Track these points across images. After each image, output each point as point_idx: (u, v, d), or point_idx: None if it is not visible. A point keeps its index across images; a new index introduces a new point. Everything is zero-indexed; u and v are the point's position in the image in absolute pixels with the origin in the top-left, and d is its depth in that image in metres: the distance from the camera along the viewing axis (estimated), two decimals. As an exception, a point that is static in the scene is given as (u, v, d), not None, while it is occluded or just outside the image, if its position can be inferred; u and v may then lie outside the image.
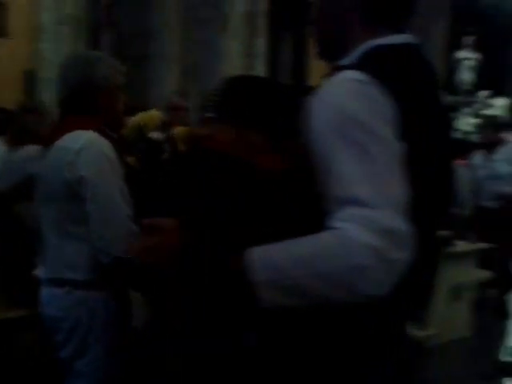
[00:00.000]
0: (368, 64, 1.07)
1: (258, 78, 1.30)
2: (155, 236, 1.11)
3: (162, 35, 5.50)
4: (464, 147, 5.52)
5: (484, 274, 4.92)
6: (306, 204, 1.04)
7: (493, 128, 5.13)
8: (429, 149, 1.08)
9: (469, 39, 10.94)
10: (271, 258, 0.98)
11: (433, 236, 1.19)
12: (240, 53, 5.71)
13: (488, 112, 10.14)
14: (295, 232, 0.98)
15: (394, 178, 0.96)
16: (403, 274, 0.95)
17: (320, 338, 1.09)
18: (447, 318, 4.22)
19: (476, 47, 11.05)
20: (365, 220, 0.92)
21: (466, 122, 10.32)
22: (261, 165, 1.10)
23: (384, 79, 1.01)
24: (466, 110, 10.50)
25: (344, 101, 0.99)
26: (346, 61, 1.14)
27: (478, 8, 12.12)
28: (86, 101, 1.92)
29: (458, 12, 12.11)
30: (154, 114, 4.14)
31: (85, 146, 1.79)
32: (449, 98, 10.93)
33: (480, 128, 5.40)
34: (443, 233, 4.04)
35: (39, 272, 2.05)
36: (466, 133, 10.14)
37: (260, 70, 5.79)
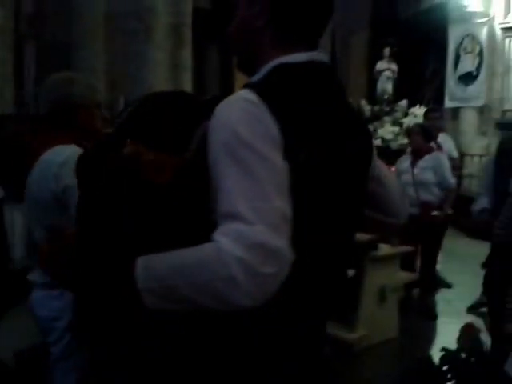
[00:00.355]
0: (265, 83, 1.13)
1: (171, 94, 1.34)
2: (56, 242, 1.15)
3: (86, 47, 5.41)
4: (388, 154, 5.68)
5: (407, 276, 5.05)
6: (199, 216, 1.08)
7: (421, 135, 5.27)
8: (323, 163, 1.12)
9: (388, 50, 11.31)
10: (153, 267, 1.02)
11: (345, 242, 1.26)
12: (166, 64, 5.68)
13: (407, 120, 10.49)
14: (187, 243, 1.02)
15: (274, 195, 1.00)
16: (295, 282, 1.03)
17: (217, 344, 1.14)
18: (375, 320, 4.29)
19: (394, 58, 11.44)
20: (238, 234, 0.97)
21: (386, 130, 10.67)
22: (156, 179, 1.12)
23: (274, 99, 1.06)
24: (387, 118, 10.86)
25: (232, 120, 1.03)
26: (255, 77, 1.19)
27: (397, 20, 12.59)
28: (65, 117, 2.07)
29: (378, 24, 12.54)
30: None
31: (68, 159, 1.86)
32: (370, 108, 11.28)
33: (407, 135, 5.56)
34: (367, 237, 4.12)
35: (34, 276, 2.11)
36: (387, 140, 10.50)
37: (187, 80, 5.79)
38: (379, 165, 1.40)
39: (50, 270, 1.15)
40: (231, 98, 1.07)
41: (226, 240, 0.97)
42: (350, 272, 4.22)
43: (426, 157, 5.19)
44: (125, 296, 1.04)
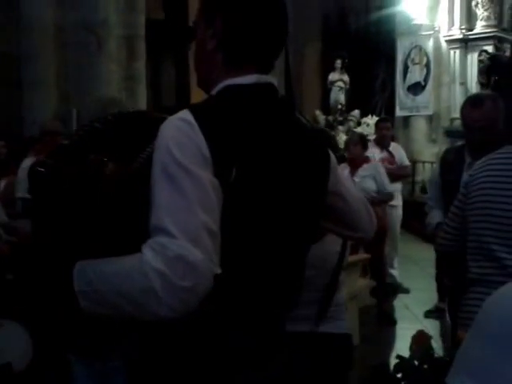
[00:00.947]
0: (205, 103, 1.21)
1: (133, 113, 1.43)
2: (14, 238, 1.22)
3: (36, 59, 5.28)
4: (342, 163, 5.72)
5: (367, 283, 5.08)
6: (138, 226, 1.11)
7: (360, 145, 5.32)
8: (257, 180, 1.16)
9: (339, 62, 11.51)
10: (87, 271, 1.08)
11: (289, 255, 1.27)
12: (120, 76, 5.59)
13: (360, 129, 10.68)
14: (126, 251, 1.06)
15: (199, 210, 1.04)
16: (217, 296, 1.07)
17: (180, 349, 1.19)
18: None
19: (346, 69, 11.64)
20: (161, 247, 1.01)
21: (340, 140, 10.81)
22: (105, 187, 1.18)
23: (207, 119, 1.12)
24: (341, 128, 11.02)
25: (167, 138, 1.09)
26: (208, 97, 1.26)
27: (348, 32, 12.83)
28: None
29: (329, 36, 12.75)
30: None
31: None
32: (324, 118, 11.45)
33: (346, 144, 5.60)
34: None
35: None
36: (341, 150, 10.63)
37: (141, 92, 5.70)
38: (342, 180, 1.41)
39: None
40: (171, 118, 1.13)
41: (149, 252, 1.01)
42: None
43: (365, 165, 5.24)
44: (65, 297, 1.09)
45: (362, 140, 5.47)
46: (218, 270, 1.05)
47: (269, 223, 1.20)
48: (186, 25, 7.35)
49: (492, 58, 10.36)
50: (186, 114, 1.12)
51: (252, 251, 1.18)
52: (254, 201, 1.16)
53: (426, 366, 2.93)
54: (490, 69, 10.26)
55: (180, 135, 1.09)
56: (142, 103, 5.76)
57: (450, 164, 2.95)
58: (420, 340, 3.18)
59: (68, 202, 1.19)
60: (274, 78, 1.27)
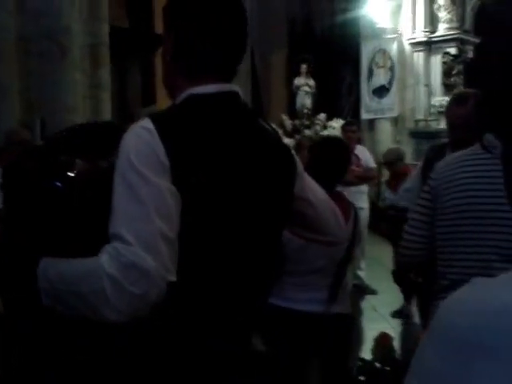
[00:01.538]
0: (166, 112, 1.24)
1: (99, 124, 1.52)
2: None
3: (-1, 68, 5.25)
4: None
5: None
6: (98, 229, 1.14)
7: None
8: (217, 187, 1.18)
9: (305, 67, 11.58)
10: (48, 269, 1.12)
11: (251, 261, 1.28)
12: (84, 84, 5.58)
13: (326, 133, 10.75)
14: (88, 251, 1.10)
15: (155, 217, 1.07)
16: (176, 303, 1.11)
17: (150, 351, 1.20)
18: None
19: (312, 74, 11.72)
20: (116, 253, 1.04)
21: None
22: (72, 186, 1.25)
23: (167, 127, 1.15)
24: (307, 131, 11.09)
25: (127, 145, 1.13)
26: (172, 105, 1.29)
27: (313, 37, 12.91)
28: None
29: (295, 41, 12.81)
30: None
31: None
32: (291, 122, 11.48)
33: (296, 149, 5.69)
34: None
35: None
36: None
37: (106, 100, 5.70)
38: (309, 186, 1.43)
39: None
40: (133, 126, 1.16)
41: (105, 257, 1.04)
42: None
43: None
44: (29, 292, 1.13)
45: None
46: (173, 278, 1.07)
47: (230, 230, 1.21)
48: (152, 33, 7.37)
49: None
50: (146, 121, 1.15)
51: (215, 258, 1.20)
52: (215, 208, 1.18)
53: (387, 368, 3.01)
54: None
55: (139, 143, 1.12)
56: (107, 111, 5.75)
57: (430, 161, 3.06)
58: (382, 342, 3.26)
59: (38, 199, 1.24)
60: (236, 86, 1.31)
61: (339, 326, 2.65)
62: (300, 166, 1.41)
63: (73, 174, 1.26)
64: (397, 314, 5.35)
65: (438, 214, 1.97)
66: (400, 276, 2.58)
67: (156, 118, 1.17)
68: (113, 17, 6.33)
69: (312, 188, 1.45)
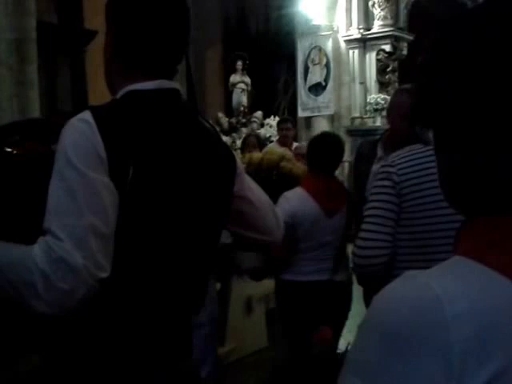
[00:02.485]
0: (106, 106, 1.25)
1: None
2: None
3: None
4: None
5: (272, 284, 5.15)
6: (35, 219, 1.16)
7: (257, 147, 5.40)
8: (154, 182, 1.20)
9: (240, 64, 11.50)
10: None
11: (190, 258, 1.31)
12: (10, 81, 5.41)
13: (263, 131, 10.73)
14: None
15: (88, 212, 1.09)
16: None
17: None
18: (243, 332, 4.34)
19: (247, 71, 11.67)
20: (47, 247, 1.07)
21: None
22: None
23: (105, 120, 1.17)
24: (244, 129, 11.02)
25: (64, 138, 1.14)
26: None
27: (248, 34, 12.85)
28: None
29: (230, 38, 12.70)
30: None
31: None
32: (227, 120, 11.39)
33: (242, 146, 5.70)
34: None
35: None
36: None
37: (33, 98, 5.54)
38: (249, 185, 1.47)
39: None
40: (72, 118, 1.18)
41: (37, 250, 1.07)
42: (217, 285, 4.24)
43: None
44: None
45: (260, 140, 5.69)
46: (104, 274, 1.10)
47: (169, 226, 1.23)
48: (82, 28, 7.21)
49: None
50: (85, 114, 1.16)
51: (152, 254, 1.21)
52: (153, 204, 1.20)
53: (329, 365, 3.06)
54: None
55: (77, 135, 1.13)
56: (35, 108, 5.59)
57: (361, 155, 3.27)
58: (322, 338, 3.31)
59: None
60: (177, 84, 1.33)
61: (342, 291, 3.23)
62: (240, 165, 1.45)
63: (10, 150, 1.29)
64: None
65: (407, 205, 1.89)
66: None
67: (95, 111, 1.18)
68: (41, 11, 6.16)
69: (252, 188, 1.48)
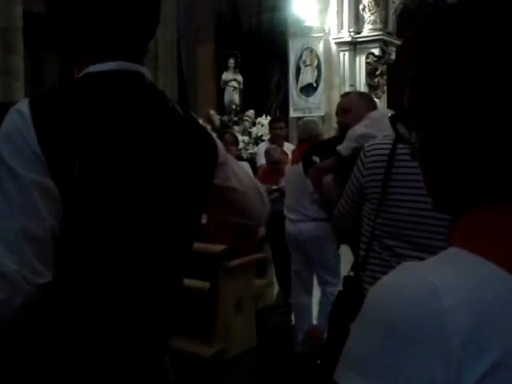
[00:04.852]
0: (49, 93, 1.15)
1: None
2: None
3: None
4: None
5: (262, 283, 5.01)
6: None
7: (235, 145, 5.40)
8: (105, 175, 1.07)
9: (232, 62, 11.47)
10: None
11: (151, 255, 1.16)
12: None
13: (255, 129, 10.68)
14: None
15: (19, 214, 0.98)
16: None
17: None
18: (233, 332, 4.14)
19: (240, 69, 11.59)
20: None
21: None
22: None
23: (42, 110, 1.03)
24: (236, 128, 10.91)
25: (1, 132, 1.02)
26: None
27: (241, 33, 12.81)
28: None
29: (222, 36, 12.67)
30: None
31: None
32: (219, 117, 11.32)
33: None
34: (221, 248, 3.97)
35: None
36: (238, 149, 10.56)
37: (18, 88, 5.20)
38: (235, 173, 1.36)
39: None
40: (12, 108, 1.05)
41: None
42: (206, 285, 4.01)
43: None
44: None
45: (236, 139, 5.63)
46: (43, 279, 0.99)
47: (127, 221, 1.10)
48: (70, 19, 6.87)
49: None
50: (23, 104, 1.04)
51: (114, 253, 1.10)
52: (105, 197, 1.06)
53: (319, 361, 2.83)
54: None
55: (11, 130, 1.02)
56: (20, 99, 5.27)
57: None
58: (313, 335, 3.11)
59: None
60: (142, 67, 1.19)
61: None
62: (223, 154, 1.33)
63: None
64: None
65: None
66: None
67: (35, 100, 1.05)
68: (29, 1, 5.84)
69: (237, 173, 1.38)
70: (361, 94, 3.30)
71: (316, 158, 3.28)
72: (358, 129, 2.69)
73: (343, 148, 2.69)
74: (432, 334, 0.53)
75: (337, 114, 3.18)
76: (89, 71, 1.14)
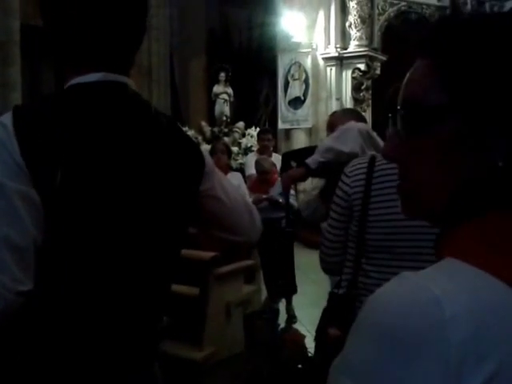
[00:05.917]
0: (36, 104, 1.11)
1: None
2: None
3: None
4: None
5: (250, 289, 5.00)
6: None
7: (226, 154, 5.35)
8: (89, 186, 1.05)
9: (223, 75, 11.50)
10: None
11: (137, 267, 1.14)
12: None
13: (245, 140, 10.68)
14: None
15: (3, 224, 0.97)
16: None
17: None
18: (221, 337, 4.13)
19: (230, 83, 11.62)
20: None
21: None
22: None
23: (24, 122, 1.02)
24: (226, 139, 10.92)
25: None
26: None
27: (231, 47, 12.88)
28: None
29: (214, 50, 12.73)
30: None
31: None
32: (210, 129, 11.33)
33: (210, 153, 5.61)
34: (210, 255, 3.97)
35: None
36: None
37: (16, 100, 5.20)
38: (222, 185, 1.32)
39: None
40: None
41: None
42: (195, 291, 4.02)
43: (230, 174, 5.24)
44: None
45: (228, 148, 5.51)
46: (23, 287, 0.98)
47: (112, 234, 1.08)
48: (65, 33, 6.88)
49: None
50: (6, 116, 1.03)
51: (98, 262, 1.08)
52: (88, 207, 1.05)
53: (300, 366, 2.83)
54: None
55: None
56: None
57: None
58: (293, 340, 3.08)
59: None
60: (127, 78, 1.16)
61: None
62: (210, 163, 1.29)
63: None
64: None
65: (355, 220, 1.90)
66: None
67: (18, 112, 1.04)
68: (27, 14, 5.85)
69: (224, 186, 1.33)
70: (344, 110, 3.49)
71: (293, 163, 3.30)
72: (326, 141, 2.77)
73: (311, 160, 2.71)
74: (432, 344, 0.52)
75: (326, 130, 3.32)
76: (72, 83, 1.12)
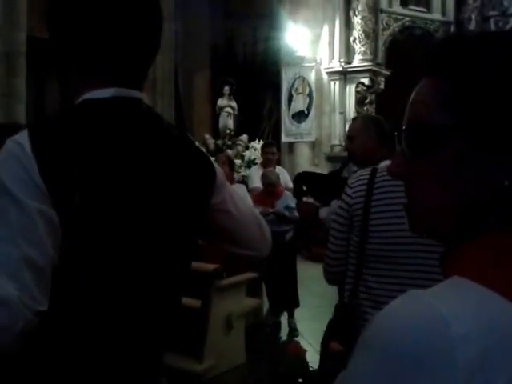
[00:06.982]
0: (47, 121, 1.10)
1: None
2: None
3: None
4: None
5: (252, 302, 4.97)
6: None
7: (227, 165, 5.38)
8: (107, 203, 1.04)
9: (228, 89, 11.53)
10: None
11: (151, 283, 1.14)
12: (-3, 92, 5.10)
13: (248, 153, 10.68)
14: None
15: (22, 242, 0.95)
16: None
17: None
18: (222, 349, 4.09)
19: (234, 96, 11.65)
20: None
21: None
22: None
23: (42, 140, 1.00)
24: (230, 151, 10.92)
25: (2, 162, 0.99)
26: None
27: (236, 61, 12.94)
28: None
29: (218, 64, 12.80)
30: None
31: None
32: (214, 141, 11.34)
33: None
34: (212, 266, 3.96)
35: None
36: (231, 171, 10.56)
37: (20, 111, 5.21)
38: (232, 198, 1.30)
39: None
40: (9, 139, 1.02)
41: None
42: (197, 303, 3.99)
43: (235, 186, 5.28)
44: None
45: (230, 160, 5.52)
46: (41, 307, 0.96)
47: (128, 253, 1.08)
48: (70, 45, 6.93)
49: None
50: (22, 134, 1.01)
51: (108, 285, 1.07)
52: (107, 227, 1.04)
53: (300, 381, 2.80)
54: None
55: (10, 160, 0.98)
56: (21, 120, 5.28)
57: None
58: (293, 352, 3.05)
59: None
60: (140, 93, 1.15)
61: None
62: (221, 177, 1.28)
63: None
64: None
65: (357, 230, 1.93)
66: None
67: (33, 130, 1.02)
68: (33, 26, 5.90)
69: (235, 200, 1.31)
70: (365, 120, 3.16)
71: (304, 187, 3.35)
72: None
73: (326, 217, 2.85)
74: (440, 364, 0.51)
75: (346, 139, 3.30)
76: (86, 98, 1.10)
